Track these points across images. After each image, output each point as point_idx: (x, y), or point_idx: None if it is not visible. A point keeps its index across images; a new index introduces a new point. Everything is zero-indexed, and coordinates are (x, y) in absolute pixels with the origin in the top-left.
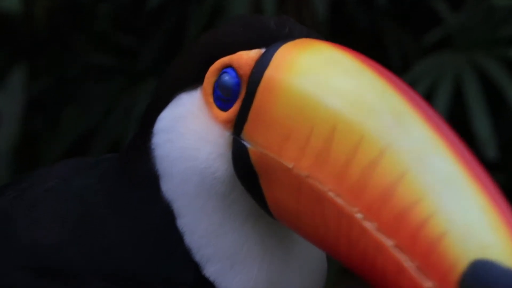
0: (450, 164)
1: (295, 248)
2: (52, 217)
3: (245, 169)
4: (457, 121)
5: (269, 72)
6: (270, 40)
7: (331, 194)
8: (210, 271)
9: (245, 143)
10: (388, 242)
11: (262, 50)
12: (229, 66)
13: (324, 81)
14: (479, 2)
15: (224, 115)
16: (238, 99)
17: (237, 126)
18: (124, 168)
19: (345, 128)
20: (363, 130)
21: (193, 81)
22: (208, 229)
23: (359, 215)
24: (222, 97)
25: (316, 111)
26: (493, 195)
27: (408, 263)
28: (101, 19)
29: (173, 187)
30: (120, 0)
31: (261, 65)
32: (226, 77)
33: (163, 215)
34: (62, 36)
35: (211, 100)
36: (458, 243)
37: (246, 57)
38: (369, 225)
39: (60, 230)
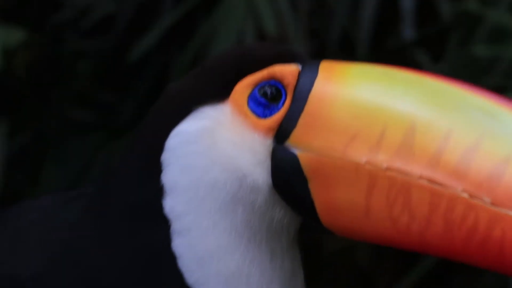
0: None
1: (291, 276)
2: (34, 248)
3: (291, 176)
4: None
5: (320, 82)
6: (300, 58)
7: (423, 181)
8: None
9: (292, 149)
10: (510, 212)
11: (299, 66)
12: (270, 78)
13: (387, 86)
14: (460, 53)
15: (265, 123)
16: (283, 107)
17: (281, 133)
18: (111, 195)
19: (427, 125)
20: (449, 125)
21: (218, 95)
22: (214, 247)
23: (465, 195)
24: (262, 106)
25: (387, 113)
26: None
27: None
28: (80, 75)
29: (184, 202)
30: (100, 56)
31: (307, 75)
32: (269, 88)
33: (156, 239)
34: (41, 92)
35: (246, 109)
36: None
37: (290, 69)
38: (479, 201)
39: (41, 262)
